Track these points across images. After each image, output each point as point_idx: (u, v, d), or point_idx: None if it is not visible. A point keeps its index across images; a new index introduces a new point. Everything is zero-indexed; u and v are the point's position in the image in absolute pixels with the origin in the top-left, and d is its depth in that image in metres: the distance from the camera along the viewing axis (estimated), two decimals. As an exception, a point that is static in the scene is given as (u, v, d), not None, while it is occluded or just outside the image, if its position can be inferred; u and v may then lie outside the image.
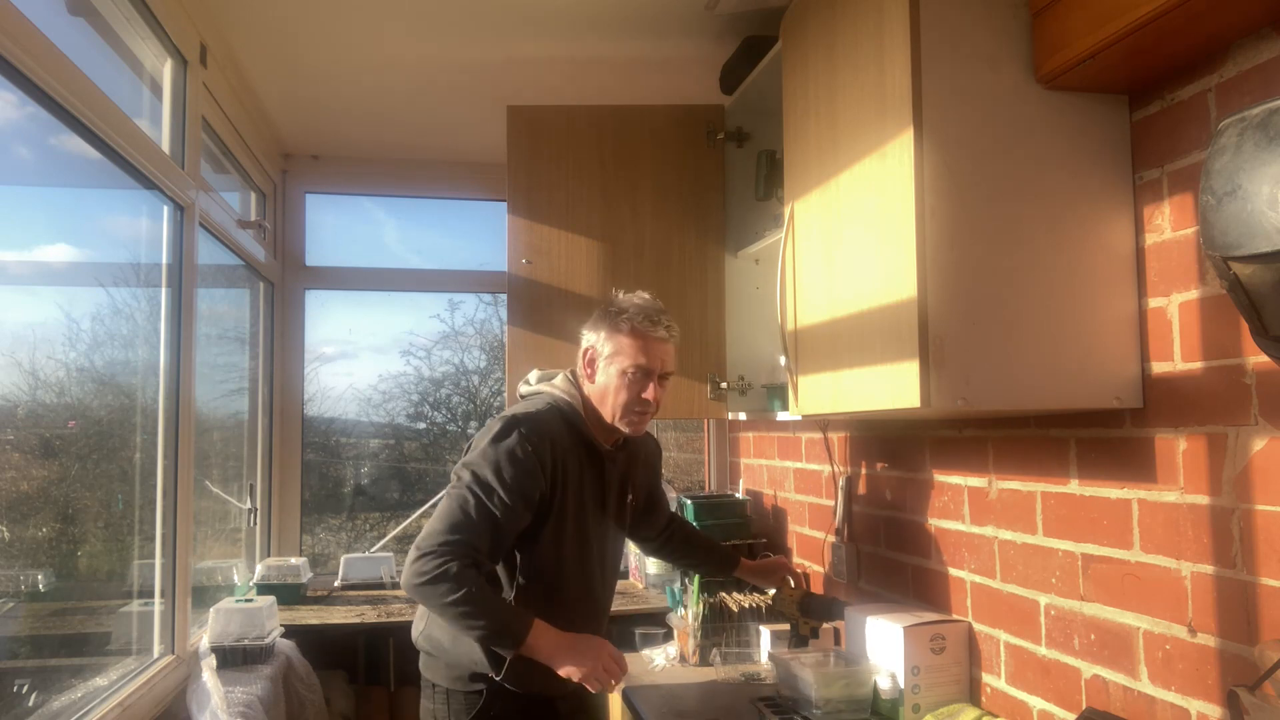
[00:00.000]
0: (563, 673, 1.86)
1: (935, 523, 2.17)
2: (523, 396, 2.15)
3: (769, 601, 2.66)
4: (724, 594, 2.80)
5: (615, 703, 2.57)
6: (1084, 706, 1.69)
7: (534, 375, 2.17)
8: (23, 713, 1.96)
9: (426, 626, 2.06)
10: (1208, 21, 1.34)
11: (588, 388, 2.07)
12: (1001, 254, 1.58)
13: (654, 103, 2.80)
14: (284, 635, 2.93)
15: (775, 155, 2.44)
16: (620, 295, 2.11)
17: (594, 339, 2.05)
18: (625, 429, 2.04)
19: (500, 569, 1.99)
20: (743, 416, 2.71)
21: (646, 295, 2.10)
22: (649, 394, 2.00)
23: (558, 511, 1.98)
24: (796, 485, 3.00)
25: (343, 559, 3.73)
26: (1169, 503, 1.52)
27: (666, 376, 2.06)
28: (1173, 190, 1.54)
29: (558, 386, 2.09)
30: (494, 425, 1.95)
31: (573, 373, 2.12)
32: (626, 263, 2.74)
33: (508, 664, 1.89)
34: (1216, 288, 1.42)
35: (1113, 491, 1.64)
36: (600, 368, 2.03)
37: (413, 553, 1.85)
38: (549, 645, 1.86)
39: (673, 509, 3.21)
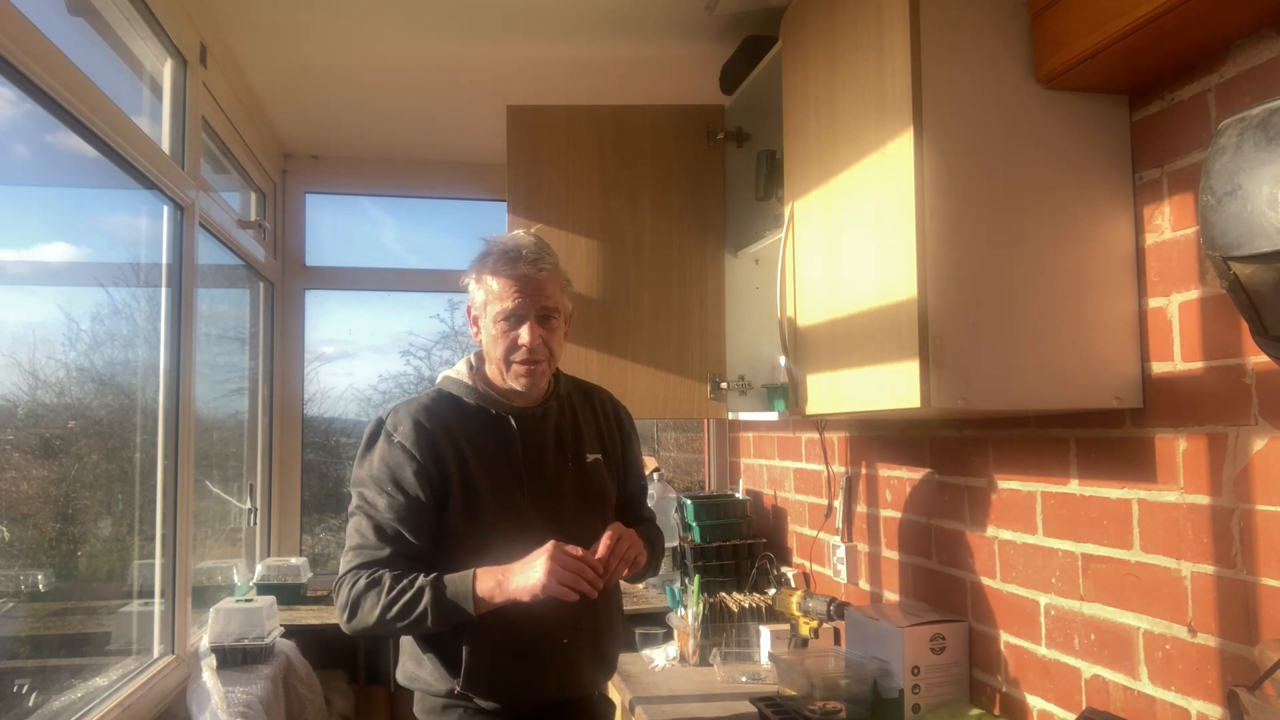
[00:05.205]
0: (527, 598, 1.65)
1: (935, 522, 2.16)
2: None
3: (769, 601, 2.66)
4: (724, 594, 2.80)
5: (617, 703, 2.57)
6: (1084, 706, 1.69)
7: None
8: (23, 713, 1.96)
9: (400, 663, 1.91)
10: (1208, 21, 1.34)
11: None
12: (1001, 254, 1.58)
13: (654, 103, 2.80)
14: (284, 635, 2.93)
15: (775, 155, 2.44)
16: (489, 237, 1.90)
17: (469, 294, 1.87)
18: (518, 384, 1.82)
19: None
20: (743, 416, 2.71)
21: (519, 232, 1.90)
22: (525, 339, 1.78)
23: (464, 493, 1.79)
24: (796, 485, 3.00)
25: (343, 559, 3.72)
26: (1169, 503, 1.52)
27: (550, 315, 1.82)
28: (1173, 190, 1.54)
29: (452, 369, 1.95)
30: (365, 432, 1.84)
31: (479, 351, 1.94)
32: (626, 262, 2.74)
33: (464, 670, 1.76)
34: (1216, 288, 1.42)
35: (1113, 491, 1.64)
36: (482, 324, 1.85)
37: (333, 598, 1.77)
38: (496, 582, 1.67)
39: (673, 510, 3.21)
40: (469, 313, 1.90)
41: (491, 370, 1.88)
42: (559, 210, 2.74)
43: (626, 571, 1.76)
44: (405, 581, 1.70)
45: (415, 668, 1.86)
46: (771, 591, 2.67)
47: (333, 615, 3.19)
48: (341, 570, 1.78)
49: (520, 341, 1.79)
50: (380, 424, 1.83)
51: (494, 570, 1.70)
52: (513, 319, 1.79)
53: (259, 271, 3.56)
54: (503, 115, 2.77)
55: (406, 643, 1.89)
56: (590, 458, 1.93)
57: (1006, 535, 1.91)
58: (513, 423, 1.86)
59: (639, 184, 2.76)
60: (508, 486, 1.83)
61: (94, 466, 2.54)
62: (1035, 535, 1.83)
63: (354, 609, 1.72)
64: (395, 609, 1.69)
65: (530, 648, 1.80)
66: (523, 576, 1.66)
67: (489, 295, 1.81)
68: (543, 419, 1.89)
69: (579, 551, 1.68)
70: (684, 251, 2.75)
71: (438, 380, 1.96)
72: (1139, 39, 1.39)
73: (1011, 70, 1.61)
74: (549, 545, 1.67)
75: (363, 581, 1.72)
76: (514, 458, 1.84)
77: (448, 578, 1.71)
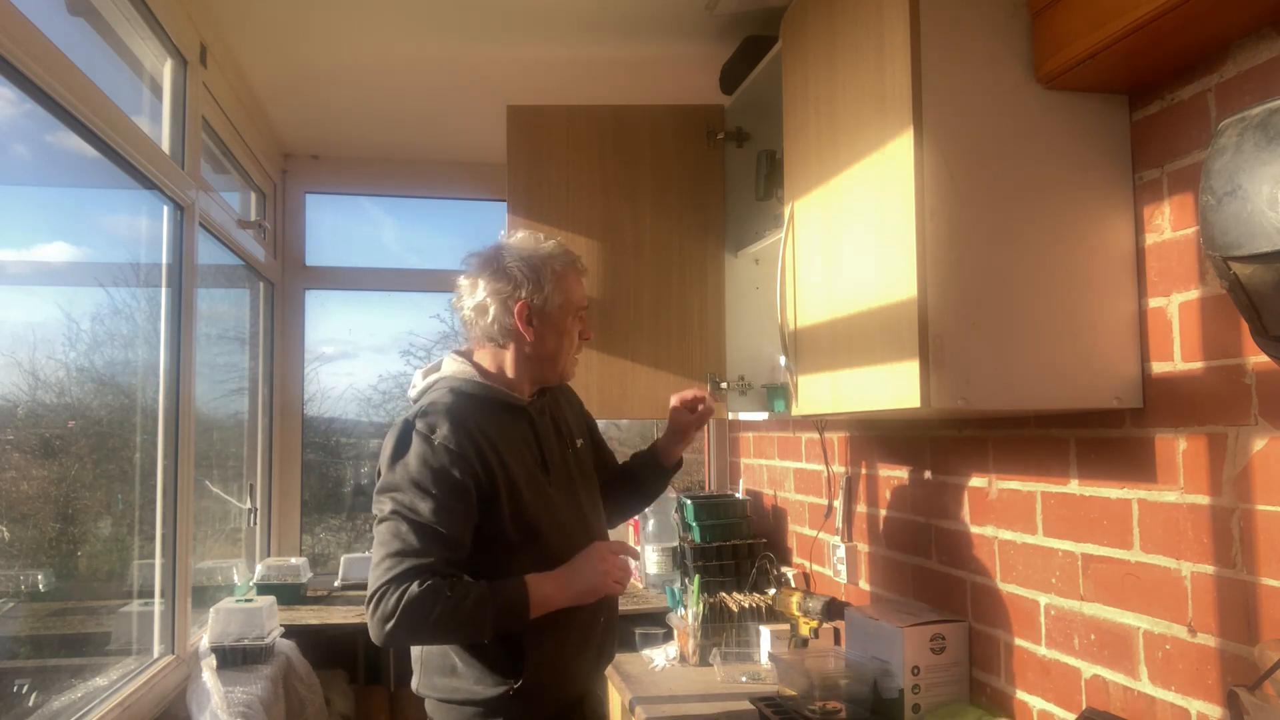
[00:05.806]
0: (589, 599, 1.79)
1: (935, 523, 2.16)
2: (414, 401, 1.92)
3: (769, 601, 2.66)
4: (724, 594, 2.80)
5: (615, 704, 2.57)
6: (1084, 706, 1.69)
7: (417, 376, 1.97)
8: (23, 713, 1.96)
9: (423, 674, 1.87)
10: (1208, 21, 1.34)
11: (517, 350, 1.88)
12: (1001, 254, 1.58)
13: (654, 103, 2.80)
14: (284, 635, 2.93)
15: (775, 155, 2.44)
16: (510, 243, 1.91)
17: (527, 292, 1.84)
18: (570, 376, 1.99)
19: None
20: (743, 416, 2.71)
21: (535, 235, 1.96)
22: (588, 332, 2.00)
23: (509, 490, 1.80)
24: (796, 485, 3.00)
25: (343, 559, 3.73)
26: (1169, 503, 1.52)
27: None
28: (1173, 190, 1.54)
29: (449, 370, 1.90)
30: (391, 437, 1.77)
31: (457, 352, 1.94)
32: (626, 262, 2.74)
33: (527, 665, 1.77)
34: (1216, 288, 1.42)
35: (1113, 491, 1.64)
36: (550, 319, 1.87)
37: (367, 605, 1.67)
38: (554, 588, 1.75)
39: (673, 510, 3.22)
40: (523, 313, 1.85)
41: (539, 366, 1.92)
42: (559, 210, 2.74)
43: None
44: (461, 590, 1.68)
45: (447, 678, 1.81)
46: (771, 591, 2.67)
47: (333, 615, 3.19)
48: (383, 577, 1.67)
49: (587, 335, 1.98)
50: (409, 427, 1.76)
51: (545, 578, 1.77)
52: (583, 315, 1.96)
53: (259, 271, 3.56)
54: (503, 115, 2.77)
55: (434, 652, 1.84)
56: (579, 441, 2.06)
57: (1006, 535, 1.91)
58: (527, 415, 1.92)
59: (639, 184, 2.76)
60: (537, 478, 1.88)
61: (94, 466, 2.54)
62: (1035, 535, 1.83)
63: (406, 618, 1.64)
64: (455, 619, 1.67)
65: (584, 633, 1.89)
66: (584, 582, 1.79)
67: (568, 294, 1.90)
68: (542, 410, 1.98)
69: (621, 546, 1.87)
70: (684, 251, 2.76)
71: (430, 382, 1.91)
72: (1139, 39, 1.39)
73: (1011, 70, 1.61)
74: (598, 546, 1.83)
75: (415, 588, 1.64)
76: (535, 449, 1.91)
77: (501, 584, 1.73)
